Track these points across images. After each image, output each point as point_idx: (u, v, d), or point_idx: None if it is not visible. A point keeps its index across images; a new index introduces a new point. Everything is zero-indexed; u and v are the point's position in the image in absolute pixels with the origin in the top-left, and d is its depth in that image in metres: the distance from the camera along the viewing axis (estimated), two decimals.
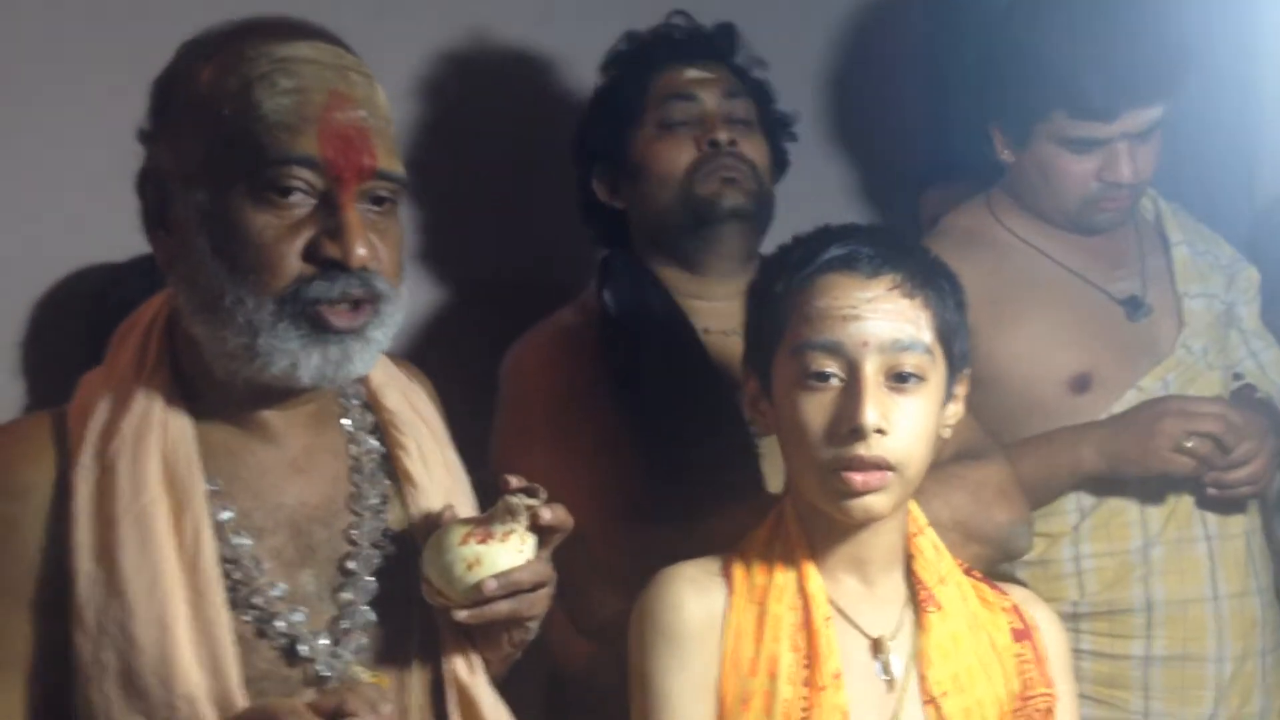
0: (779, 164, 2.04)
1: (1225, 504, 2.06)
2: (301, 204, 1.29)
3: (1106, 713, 2.03)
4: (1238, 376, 2.16)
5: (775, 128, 2.05)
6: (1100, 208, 2.08)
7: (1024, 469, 1.89)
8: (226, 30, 1.35)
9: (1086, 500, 2.04)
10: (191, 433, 1.34)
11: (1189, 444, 1.95)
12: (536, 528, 1.33)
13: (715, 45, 2.02)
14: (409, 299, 1.37)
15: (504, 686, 1.47)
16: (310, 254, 1.28)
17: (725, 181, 1.90)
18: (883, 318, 1.44)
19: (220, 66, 1.31)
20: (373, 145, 1.30)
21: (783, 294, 1.49)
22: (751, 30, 2.08)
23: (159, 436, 1.32)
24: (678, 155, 1.92)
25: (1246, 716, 2.05)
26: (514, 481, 1.33)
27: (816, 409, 1.44)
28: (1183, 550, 2.04)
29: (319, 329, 1.29)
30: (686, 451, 1.77)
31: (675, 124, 1.94)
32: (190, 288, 1.31)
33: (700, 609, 1.48)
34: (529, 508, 1.32)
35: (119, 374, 1.37)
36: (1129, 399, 2.05)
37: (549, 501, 1.34)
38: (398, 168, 1.34)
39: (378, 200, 1.33)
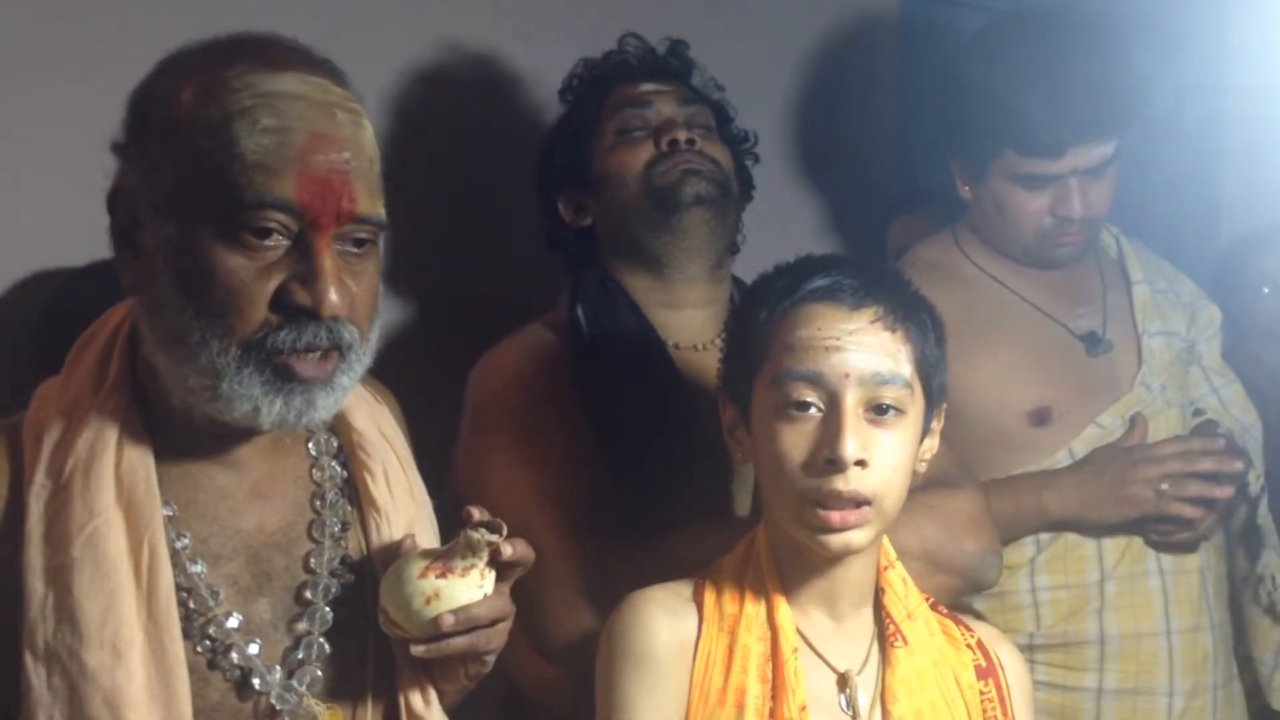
0: (743, 183, 2.01)
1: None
2: (276, 245, 1.25)
3: None
4: (1199, 412, 2.17)
5: (735, 143, 2.02)
6: (1056, 242, 2.09)
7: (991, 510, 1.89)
8: (211, 50, 1.29)
9: (1044, 534, 2.05)
10: (150, 455, 1.31)
11: (1164, 486, 1.97)
12: (497, 562, 1.31)
13: (670, 64, 2.00)
14: (379, 330, 1.34)
15: (458, 712, 1.45)
16: (280, 300, 1.25)
17: (686, 173, 1.86)
18: (864, 350, 1.43)
19: (201, 93, 1.25)
20: (353, 189, 1.26)
21: (765, 322, 1.48)
22: (720, 59, 2.07)
23: (115, 457, 1.29)
24: (637, 156, 1.89)
25: None
26: (476, 514, 1.31)
27: (795, 439, 1.43)
28: (1136, 585, 2.06)
29: (284, 377, 1.25)
30: (654, 469, 1.74)
31: (633, 130, 1.91)
32: (155, 316, 1.28)
33: (672, 635, 1.46)
34: (490, 543, 1.30)
35: (77, 388, 1.33)
36: (1089, 434, 2.07)
37: (511, 535, 1.32)
38: (379, 210, 1.30)
39: (357, 242, 1.29)
